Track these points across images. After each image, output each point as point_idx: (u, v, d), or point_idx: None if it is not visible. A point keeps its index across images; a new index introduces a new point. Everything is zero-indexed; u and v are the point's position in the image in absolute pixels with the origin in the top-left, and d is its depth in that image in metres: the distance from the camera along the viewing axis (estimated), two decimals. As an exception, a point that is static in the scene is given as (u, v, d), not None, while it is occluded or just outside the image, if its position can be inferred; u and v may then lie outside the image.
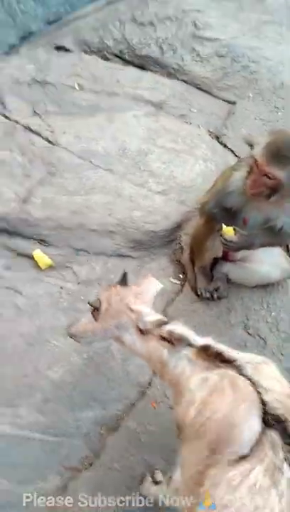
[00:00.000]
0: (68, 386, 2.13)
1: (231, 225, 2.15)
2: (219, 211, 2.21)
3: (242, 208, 2.17)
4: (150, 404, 2.12)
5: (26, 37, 6.12)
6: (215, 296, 2.45)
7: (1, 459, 1.93)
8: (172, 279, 2.56)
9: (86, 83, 3.49)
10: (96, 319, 1.71)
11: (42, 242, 2.54)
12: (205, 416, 1.41)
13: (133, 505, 1.83)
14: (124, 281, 1.79)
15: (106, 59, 3.85)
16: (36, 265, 2.47)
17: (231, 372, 1.41)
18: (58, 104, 3.28)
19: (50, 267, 2.48)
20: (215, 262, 2.50)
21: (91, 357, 2.23)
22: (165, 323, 1.63)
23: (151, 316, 1.65)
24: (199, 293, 2.47)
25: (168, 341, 1.57)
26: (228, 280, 2.51)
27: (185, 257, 2.58)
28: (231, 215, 2.20)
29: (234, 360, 1.45)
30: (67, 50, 3.97)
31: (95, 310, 1.72)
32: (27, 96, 3.32)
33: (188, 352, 1.56)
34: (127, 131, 3.12)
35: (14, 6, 6.16)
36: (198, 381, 1.49)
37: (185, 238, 2.65)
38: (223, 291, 2.47)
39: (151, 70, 3.72)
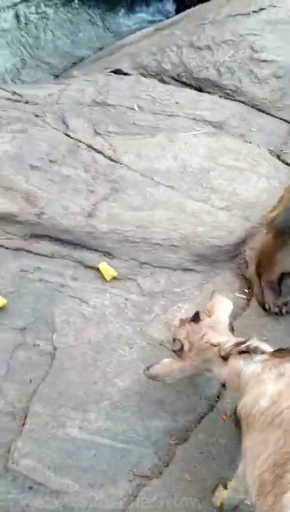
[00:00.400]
0: (136, 395, 2.29)
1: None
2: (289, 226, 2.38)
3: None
4: (219, 416, 2.24)
5: (77, 63, 6.73)
6: (284, 310, 2.59)
7: (71, 462, 2.09)
8: (237, 294, 2.72)
9: (145, 104, 3.81)
10: (182, 358, 2.07)
11: (107, 254, 2.78)
12: (281, 406, 1.56)
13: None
14: (196, 319, 2.10)
15: (163, 82, 4.20)
16: (102, 277, 2.69)
17: None
18: (119, 124, 3.60)
19: (115, 279, 2.69)
20: (282, 276, 2.64)
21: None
22: (243, 342, 1.90)
23: (230, 341, 1.95)
24: (267, 307, 2.61)
25: (246, 353, 1.85)
26: (297, 295, 2.65)
27: (251, 271, 2.74)
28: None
29: None
30: (124, 73, 4.36)
31: (178, 351, 2.09)
32: (88, 117, 3.66)
33: (261, 357, 1.81)
34: (188, 150, 3.38)
35: (62, 35, 6.82)
36: (273, 375, 1.71)
37: (249, 253, 2.82)
38: (291, 306, 2.61)
39: (209, 92, 4.03)
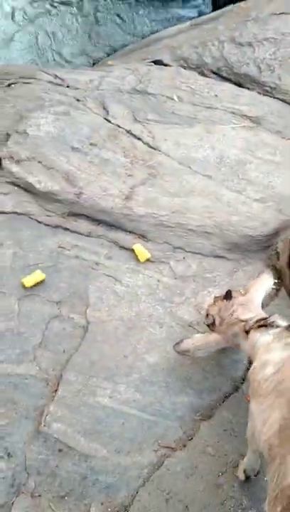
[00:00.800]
0: (164, 372, 2.40)
1: None
2: None
3: None
4: (243, 397, 2.34)
5: (114, 52, 6.88)
6: (313, 301, 2.68)
7: (101, 428, 2.22)
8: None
9: (185, 95, 3.92)
10: (215, 331, 2.25)
11: (142, 237, 2.89)
12: (284, 375, 1.72)
13: (225, 487, 2.05)
14: (229, 296, 2.28)
15: (203, 75, 4.30)
16: (136, 258, 2.81)
17: None
18: (158, 113, 3.71)
19: (149, 261, 2.81)
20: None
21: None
22: (265, 318, 2.07)
23: (256, 317, 2.11)
24: (296, 298, 2.70)
25: (264, 326, 2.02)
26: None
27: (282, 262, 2.83)
28: None
29: None
30: (165, 64, 4.47)
31: (211, 325, 2.28)
32: (128, 104, 3.78)
33: (275, 330, 1.98)
34: (225, 141, 3.48)
35: (102, 23, 6.98)
36: (280, 344, 1.86)
37: (281, 245, 2.90)
38: None
39: (248, 88, 4.11)
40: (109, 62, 5.67)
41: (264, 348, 1.91)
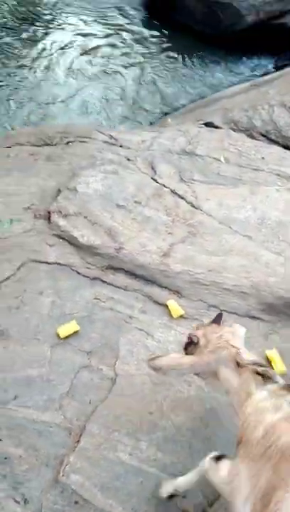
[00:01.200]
0: (188, 432, 2.41)
1: None
2: None
3: None
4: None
5: (171, 112, 7.25)
6: None
7: (118, 484, 2.23)
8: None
9: (232, 157, 4.08)
10: (192, 353, 2.16)
11: (176, 293, 2.98)
12: (272, 438, 1.68)
13: None
14: (218, 320, 2.26)
15: (252, 137, 4.47)
16: (169, 313, 2.88)
17: None
18: (204, 173, 3.88)
19: (182, 317, 2.87)
20: None
21: (214, 408, 2.50)
22: (262, 364, 1.99)
23: (248, 354, 2.04)
24: None
25: (261, 376, 1.92)
26: None
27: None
28: None
29: None
30: (215, 126, 4.69)
31: (191, 345, 2.17)
32: (176, 164, 3.98)
33: (272, 386, 1.88)
34: (268, 203, 3.56)
35: (160, 85, 7.42)
36: (272, 406, 1.78)
37: None
38: None
39: (296, 150, 4.22)
40: (169, 121, 6.02)
41: (258, 406, 1.81)
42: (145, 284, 3.03)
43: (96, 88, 7.33)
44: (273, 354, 2.71)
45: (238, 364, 1.99)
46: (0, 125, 6.74)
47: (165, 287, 3.01)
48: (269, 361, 2.69)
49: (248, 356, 2.03)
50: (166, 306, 2.91)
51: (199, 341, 2.17)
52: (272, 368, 2.67)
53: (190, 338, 2.21)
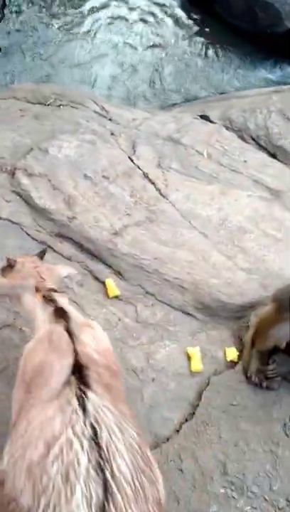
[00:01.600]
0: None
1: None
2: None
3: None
4: (161, 458, 2.38)
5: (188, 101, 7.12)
6: (264, 384, 2.69)
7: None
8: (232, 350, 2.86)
9: (215, 154, 4.12)
10: (4, 275, 2.32)
11: (118, 274, 3.05)
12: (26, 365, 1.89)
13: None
14: (41, 255, 2.47)
15: (242, 139, 4.50)
16: (105, 292, 2.95)
17: (58, 328, 1.92)
18: (182, 164, 3.93)
19: (117, 298, 2.94)
20: (275, 350, 2.76)
21: (121, 391, 2.58)
22: (56, 290, 2.20)
23: (51, 285, 2.23)
24: (248, 375, 2.73)
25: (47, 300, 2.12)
26: (286, 376, 2.74)
27: (248, 336, 2.88)
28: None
29: (69, 320, 1.98)
30: (210, 121, 4.71)
31: (8, 268, 2.32)
32: (158, 149, 4.03)
33: (50, 309, 2.07)
34: (235, 206, 3.62)
35: (181, 71, 7.36)
36: (39, 333, 2.01)
37: (253, 319, 2.96)
38: (274, 382, 2.70)
39: (282, 161, 4.26)
40: (177, 110, 6.00)
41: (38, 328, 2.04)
42: (89, 258, 3.10)
43: (114, 61, 7.29)
44: (194, 352, 2.78)
45: (36, 289, 2.16)
46: (12, 76, 6.78)
47: (109, 266, 3.08)
48: (188, 357, 2.77)
49: (49, 285, 2.20)
50: (104, 284, 2.98)
51: (15, 266, 2.28)
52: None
53: (8, 261, 2.32)
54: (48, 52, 7.22)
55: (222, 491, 2.33)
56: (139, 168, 3.76)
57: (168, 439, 2.48)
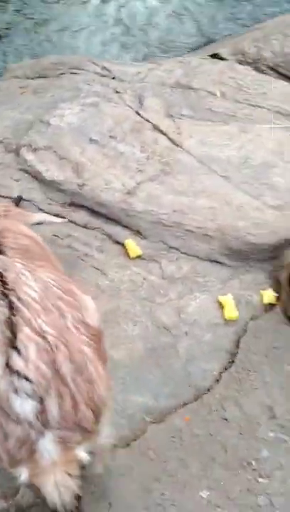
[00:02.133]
0: (125, 369, 2.64)
1: None
2: None
3: None
4: (201, 408, 2.50)
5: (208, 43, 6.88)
6: (305, 324, 2.75)
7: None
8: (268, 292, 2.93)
9: (229, 91, 4.12)
10: None
11: (137, 233, 3.17)
12: None
13: (155, 494, 2.23)
14: (16, 201, 2.88)
15: (259, 71, 4.46)
16: (126, 253, 3.08)
17: None
18: (194, 108, 3.96)
19: (139, 258, 3.06)
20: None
21: (155, 348, 2.71)
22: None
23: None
24: (288, 316, 2.79)
25: None
26: None
27: (284, 275, 2.92)
28: None
29: None
30: (221, 58, 4.69)
31: None
32: (166, 98, 4.08)
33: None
34: (257, 142, 3.63)
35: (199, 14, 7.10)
36: None
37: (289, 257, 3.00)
38: (316, 321, 2.75)
39: (304, 86, 4.20)
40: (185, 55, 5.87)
41: None
42: (105, 222, 3.23)
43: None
44: (226, 299, 2.86)
45: None
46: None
47: (126, 227, 3.20)
48: (221, 306, 2.86)
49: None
50: (124, 246, 3.10)
51: None
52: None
53: None
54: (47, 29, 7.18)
55: (272, 434, 2.42)
56: (148, 121, 3.83)
57: (209, 390, 2.59)
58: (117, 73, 4.54)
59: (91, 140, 3.63)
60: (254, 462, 2.34)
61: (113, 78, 4.50)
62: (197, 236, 3.11)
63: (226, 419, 2.48)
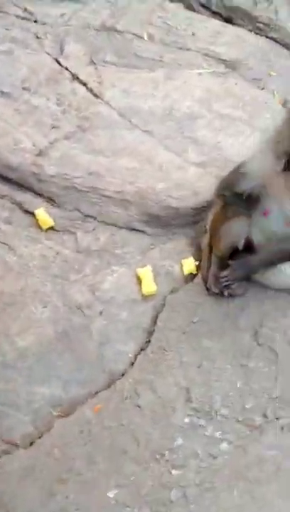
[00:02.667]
0: (33, 357, 2.23)
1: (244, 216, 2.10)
2: (231, 196, 2.11)
3: (261, 196, 2.07)
4: (114, 395, 2.13)
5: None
6: (226, 293, 2.34)
7: None
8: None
9: (157, 33, 3.52)
10: None
11: (50, 200, 2.66)
12: None
13: (59, 497, 1.89)
14: None
15: (191, 8, 3.81)
16: (37, 225, 2.59)
17: None
18: (119, 54, 3.37)
19: (52, 229, 2.58)
20: (236, 252, 2.37)
21: (66, 331, 2.30)
22: None
23: None
24: (208, 286, 2.38)
25: None
26: (249, 278, 2.38)
27: (205, 241, 2.49)
28: (249, 203, 2.11)
29: None
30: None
31: None
32: (90, 42, 3.46)
33: None
34: (183, 90, 3.10)
35: None
36: None
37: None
38: (237, 288, 2.35)
39: (238, 24, 3.62)
40: None
41: None
42: (16, 189, 2.71)
43: None
44: (144, 272, 2.43)
45: None
46: None
47: (38, 193, 2.69)
48: (139, 280, 2.43)
49: None
50: (35, 216, 2.61)
51: None
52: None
53: None
54: None
55: (187, 420, 2.07)
56: (67, 70, 3.23)
57: (123, 375, 2.21)
58: (40, 16, 3.82)
59: (2, 93, 3.03)
60: (167, 453, 2.00)
61: (35, 21, 3.79)
62: (115, 202, 2.63)
63: (139, 407, 2.11)
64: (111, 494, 1.91)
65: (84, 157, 2.74)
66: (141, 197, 2.61)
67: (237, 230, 2.23)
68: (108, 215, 2.61)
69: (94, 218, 2.62)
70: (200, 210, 2.60)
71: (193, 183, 2.65)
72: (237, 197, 2.14)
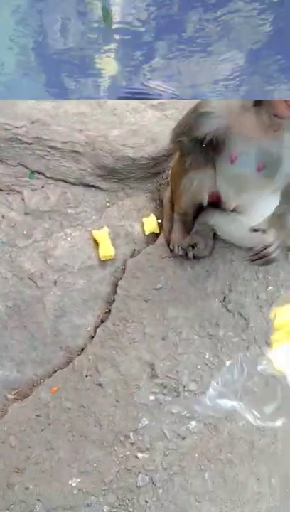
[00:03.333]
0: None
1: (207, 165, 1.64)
2: (189, 142, 1.65)
3: (226, 138, 1.61)
4: (73, 374, 1.82)
5: None
6: (191, 254, 1.97)
7: None
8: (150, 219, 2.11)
9: None
10: None
11: (-8, 156, 2.17)
12: None
13: (16, 488, 1.63)
14: None
15: None
16: (-22, 185, 2.13)
17: None
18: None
19: (-4, 189, 2.12)
20: (201, 209, 1.97)
21: (18, 306, 1.94)
22: None
23: None
24: (171, 247, 2.00)
25: None
26: (215, 236, 2.00)
27: (167, 195, 2.08)
28: (212, 149, 1.66)
29: None
30: None
31: None
32: None
33: None
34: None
35: None
36: None
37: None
38: (203, 249, 1.99)
39: None
40: None
41: None
42: None
43: None
44: (101, 234, 2.04)
45: None
46: None
47: (-22, 148, 2.19)
48: (96, 243, 2.03)
49: None
50: (-25, 176, 2.14)
51: None
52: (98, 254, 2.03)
53: None
54: None
55: (152, 398, 1.79)
56: None
57: (82, 350, 1.90)
58: None
59: None
60: (132, 435, 1.74)
61: None
62: (64, 154, 2.15)
63: (100, 385, 1.82)
64: (73, 483, 1.67)
65: (26, 103, 2.21)
66: (92, 147, 2.14)
67: (198, 184, 1.78)
68: (57, 170, 2.15)
69: (43, 174, 2.15)
70: (161, 160, 2.16)
71: (150, 127, 2.18)
72: (197, 143, 1.66)
